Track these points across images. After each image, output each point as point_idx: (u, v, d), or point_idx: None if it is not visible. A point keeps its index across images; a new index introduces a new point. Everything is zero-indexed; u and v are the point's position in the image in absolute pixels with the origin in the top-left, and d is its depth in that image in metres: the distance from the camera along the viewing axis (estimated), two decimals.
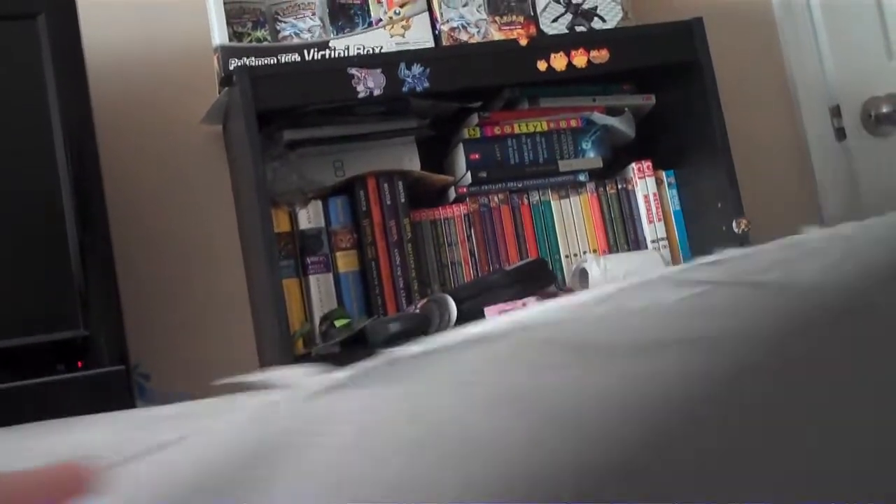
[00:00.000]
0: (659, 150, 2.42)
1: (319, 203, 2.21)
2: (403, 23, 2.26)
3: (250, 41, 2.19)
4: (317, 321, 2.14)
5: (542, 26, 2.30)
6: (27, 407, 1.88)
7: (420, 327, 2.07)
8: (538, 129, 2.34)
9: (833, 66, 2.76)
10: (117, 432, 0.61)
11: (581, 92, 2.40)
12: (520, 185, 2.33)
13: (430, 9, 2.29)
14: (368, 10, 2.26)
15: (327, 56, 2.20)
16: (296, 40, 2.22)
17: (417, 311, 2.11)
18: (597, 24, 2.31)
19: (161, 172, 2.39)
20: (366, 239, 2.22)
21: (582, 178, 2.35)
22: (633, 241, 2.36)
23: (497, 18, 2.30)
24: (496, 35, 2.28)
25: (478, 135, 2.31)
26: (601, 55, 2.23)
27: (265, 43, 2.19)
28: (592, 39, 2.25)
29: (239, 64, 2.13)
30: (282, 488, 0.48)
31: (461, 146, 2.30)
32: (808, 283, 0.60)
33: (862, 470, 0.55)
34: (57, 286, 1.94)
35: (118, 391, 1.93)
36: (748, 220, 2.21)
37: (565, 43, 2.24)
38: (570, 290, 2.22)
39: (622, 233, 2.37)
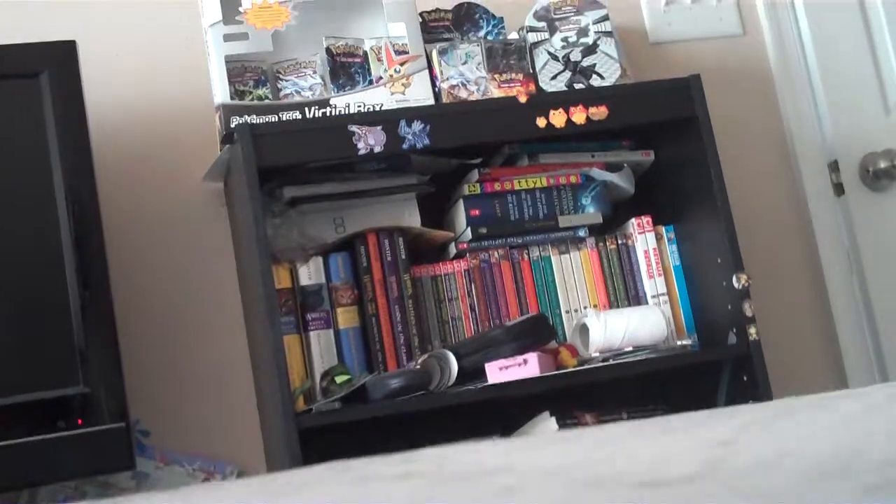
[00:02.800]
0: (658, 206, 2.43)
1: (320, 259, 2.21)
2: (403, 80, 2.28)
3: (252, 99, 2.21)
4: (317, 377, 2.14)
5: (541, 83, 2.32)
6: (27, 463, 1.88)
7: (421, 383, 2.07)
8: (538, 185, 2.35)
9: (830, 121, 2.77)
10: None
11: (580, 148, 2.41)
12: (520, 241, 2.33)
13: (429, 67, 2.30)
14: (369, 69, 2.28)
15: (328, 113, 2.21)
16: (297, 98, 2.23)
17: (418, 367, 2.11)
18: (595, 81, 2.33)
19: (162, 229, 2.40)
20: (366, 295, 2.22)
21: (582, 233, 2.35)
22: (634, 296, 2.36)
23: (496, 76, 2.31)
24: (496, 92, 2.30)
25: (478, 191, 2.32)
26: (600, 112, 2.24)
27: (266, 101, 2.21)
28: (591, 96, 2.27)
29: (240, 122, 2.14)
30: None
31: (461, 202, 2.31)
32: None
33: None
34: (57, 343, 1.94)
35: (118, 448, 1.92)
36: (748, 275, 2.22)
37: (564, 100, 2.25)
38: (571, 346, 2.22)
39: (622, 288, 2.37)
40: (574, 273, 2.35)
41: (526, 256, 2.33)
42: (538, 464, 0.72)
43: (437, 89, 2.29)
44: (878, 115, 2.82)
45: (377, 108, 2.23)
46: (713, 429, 0.77)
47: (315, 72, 2.26)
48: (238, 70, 2.21)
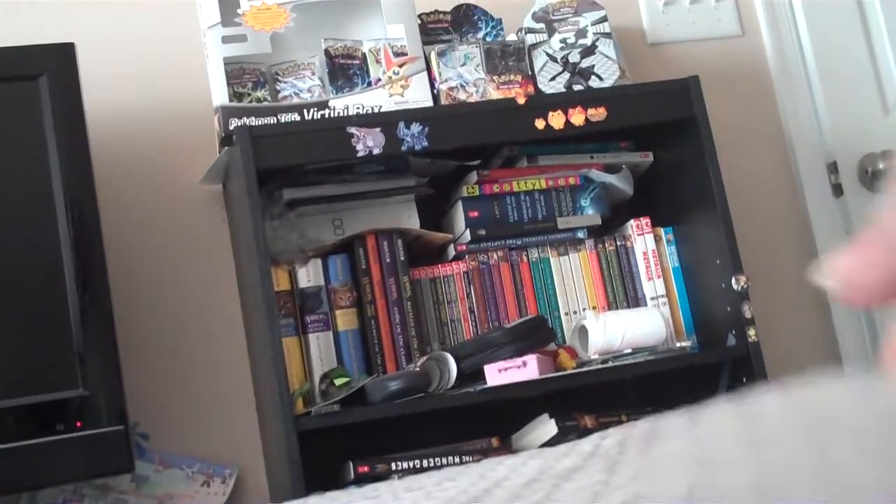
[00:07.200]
0: (657, 207, 2.43)
1: (319, 261, 2.21)
2: (402, 82, 2.28)
3: (250, 101, 2.21)
4: (316, 380, 2.14)
5: (539, 85, 2.32)
6: (26, 466, 1.88)
7: (420, 386, 2.07)
8: (537, 186, 2.35)
9: (829, 122, 2.77)
10: None
11: (579, 150, 2.41)
12: (519, 243, 2.33)
13: (428, 68, 2.30)
14: (367, 70, 2.28)
15: (327, 115, 2.21)
16: (296, 100, 2.23)
17: (417, 369, 2.11)
18: (594, 82, 2.33)
19: (161, 232, 2.40)
20: (365, 297, 2.22)
21: (581, 235, 2.35)
22: (633, 297, 2.36)
23: (495, 77, 2.31)
24: (494, 94, 2.30)
25: (476, 192, 2.32)
26: (599, 113, 2.24)
27: (265, 103, 2.21)
28: (590, 98, 2.27)
29: (239, 124, 2.14)
30: None
31: (460, 204, 2.31)
32: None
33: None
34: (56, 346, 1.94)
35: (117, 451, 1.92)
36: (747, 276, 2.21)
37: (563, 101, 2.25)
38: (570, 348, 2.22)
39: (621, 290, 2.37)
40: (573, 275, 2.35)
41: (525, 258, 2.33)
42: None
43: (435, 91, 2.29)
44: (877, 116, 2.82)
45: (376, 110, 2.23)
46: None
47: (314, 73, 2.26)
48: (237, 72, 2.21)
